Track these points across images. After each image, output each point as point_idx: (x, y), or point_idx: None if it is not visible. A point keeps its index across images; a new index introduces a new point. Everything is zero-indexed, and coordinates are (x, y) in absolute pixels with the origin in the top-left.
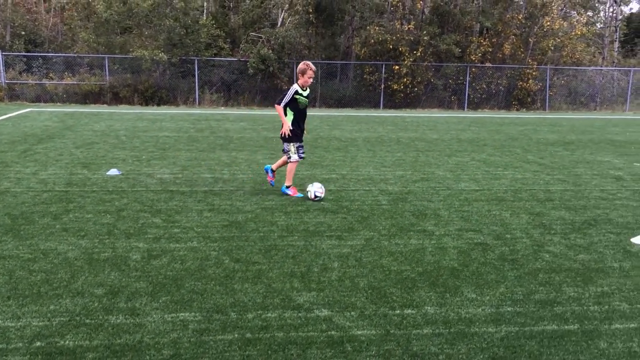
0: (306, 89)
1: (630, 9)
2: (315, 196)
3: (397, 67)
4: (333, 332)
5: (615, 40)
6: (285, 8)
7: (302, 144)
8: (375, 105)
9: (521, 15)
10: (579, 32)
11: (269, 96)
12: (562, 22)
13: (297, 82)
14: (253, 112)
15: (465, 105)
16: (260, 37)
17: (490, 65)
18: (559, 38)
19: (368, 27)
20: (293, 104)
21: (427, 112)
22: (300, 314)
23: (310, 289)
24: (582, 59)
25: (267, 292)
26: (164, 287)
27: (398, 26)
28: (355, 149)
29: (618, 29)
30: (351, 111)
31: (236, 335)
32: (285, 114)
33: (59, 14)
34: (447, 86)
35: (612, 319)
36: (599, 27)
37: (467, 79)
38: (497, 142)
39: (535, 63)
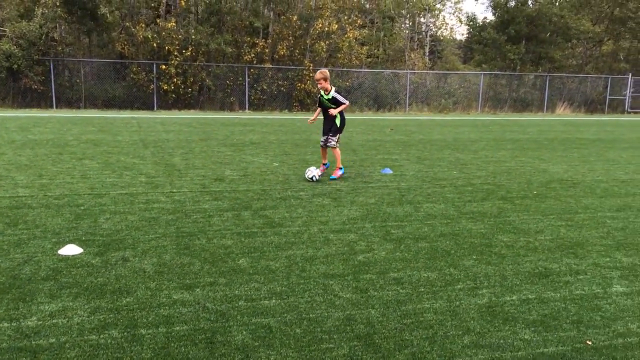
0: (327, 93)
1: (485, 18)
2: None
3: (164, 66)
4: None
5: (426, 46)
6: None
7: (324, 137)
8: (150, 107)
9: (295, 17)
10: (352, 35)
11: (27, 97)
12: (334, 25)
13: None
14: None
15: (247, 106)
16: (5, 32)
17: (270, 66)
18: (331, 40)
19: (128, 24)
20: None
21: (202, 113)
22: None
23: None
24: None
25: None
26: None
27: (161, 24)
28: None
29: (428, 35)
30: (118, 113)
31: None
32: None
33: None
34: (225, 87)
35: None
36: (408, 33)
37: (246, 79)
38: (178, 142)
39: (312, 65)
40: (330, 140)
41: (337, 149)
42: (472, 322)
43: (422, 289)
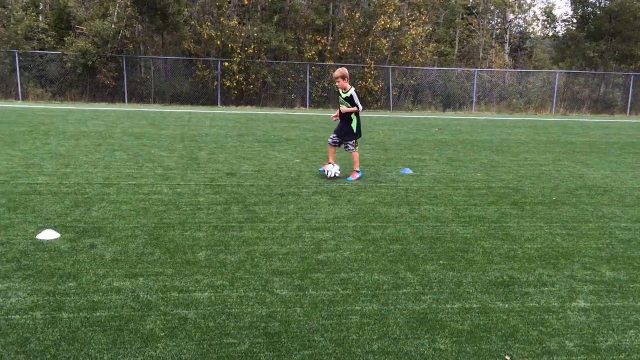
0: (344, 91)
1: (565, 13)
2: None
3: (226, 63)
4: None
5: (506, 43)
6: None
7: (333, 134)
8: (214, 102)
9: (358, 14)
10: (414, 32)
11: (105, 92)
12: (397, 21)
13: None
14: (52, 106)
15: (307, 103)
16: (82, 30)
17: (332, 63)
18: (394, 37)
19: (193, 23)
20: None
21: (260, 109)
22: None
23: None
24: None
25: None
26: None
27: (225, 22)
28: None
29: (508, 31)
30: (178, 107)
31: None
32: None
33: None
34: (286, 84)
35: None
36: (496, 32)
37: (308, 77)
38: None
39: (373, 62)
40: (347, 145)
41: (355, 152)
42: (394, 327)
43: (364, 291)
